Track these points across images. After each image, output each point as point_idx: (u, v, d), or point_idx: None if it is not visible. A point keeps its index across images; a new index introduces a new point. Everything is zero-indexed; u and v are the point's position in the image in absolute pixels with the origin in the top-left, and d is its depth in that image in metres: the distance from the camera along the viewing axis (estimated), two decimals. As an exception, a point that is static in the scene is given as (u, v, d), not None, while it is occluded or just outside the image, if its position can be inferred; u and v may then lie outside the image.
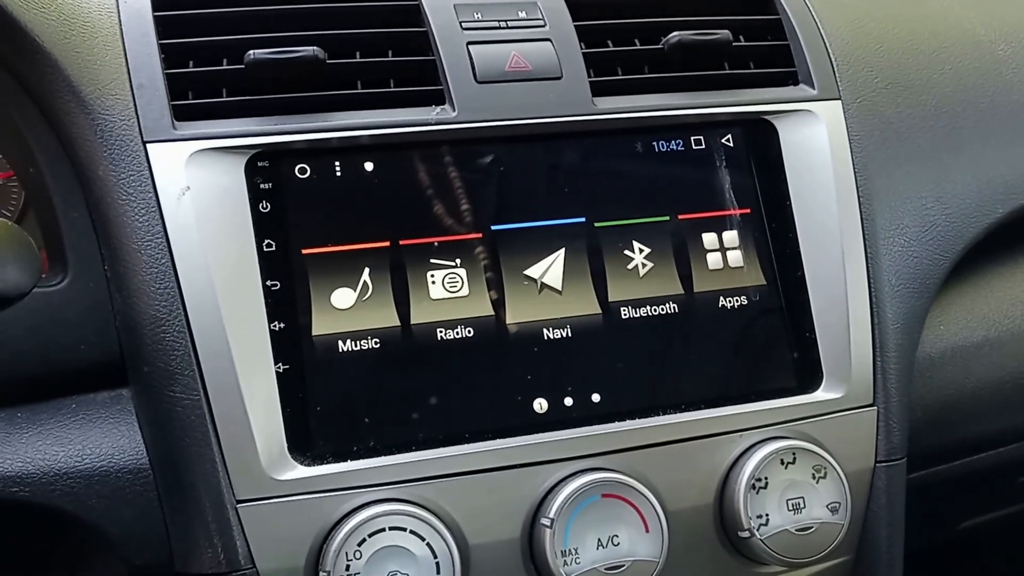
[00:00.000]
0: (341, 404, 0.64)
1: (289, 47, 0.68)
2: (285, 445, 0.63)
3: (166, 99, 0.66)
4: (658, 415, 0.69)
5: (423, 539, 0.62)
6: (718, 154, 0.74)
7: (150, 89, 0.66)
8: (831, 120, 0.77)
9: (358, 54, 0.71)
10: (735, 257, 0.73)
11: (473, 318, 0.67)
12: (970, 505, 0.95)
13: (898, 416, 0.74)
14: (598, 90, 0.73)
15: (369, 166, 0.68)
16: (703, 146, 0.74)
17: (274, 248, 0.65)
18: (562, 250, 0.70)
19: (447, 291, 0.67)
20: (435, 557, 0.62)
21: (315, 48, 0.68)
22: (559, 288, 0.69)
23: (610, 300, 0.70)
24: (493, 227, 0.69)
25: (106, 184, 0.64)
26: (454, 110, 0.69)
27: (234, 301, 0.63)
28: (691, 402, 0.70)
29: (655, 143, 0.73)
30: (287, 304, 0.65)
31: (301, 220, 0.66)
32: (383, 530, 0.61)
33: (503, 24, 0.73)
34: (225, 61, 0.69)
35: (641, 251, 0.71)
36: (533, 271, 0.69)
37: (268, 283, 0.64)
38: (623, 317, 0.70)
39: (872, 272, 0.75)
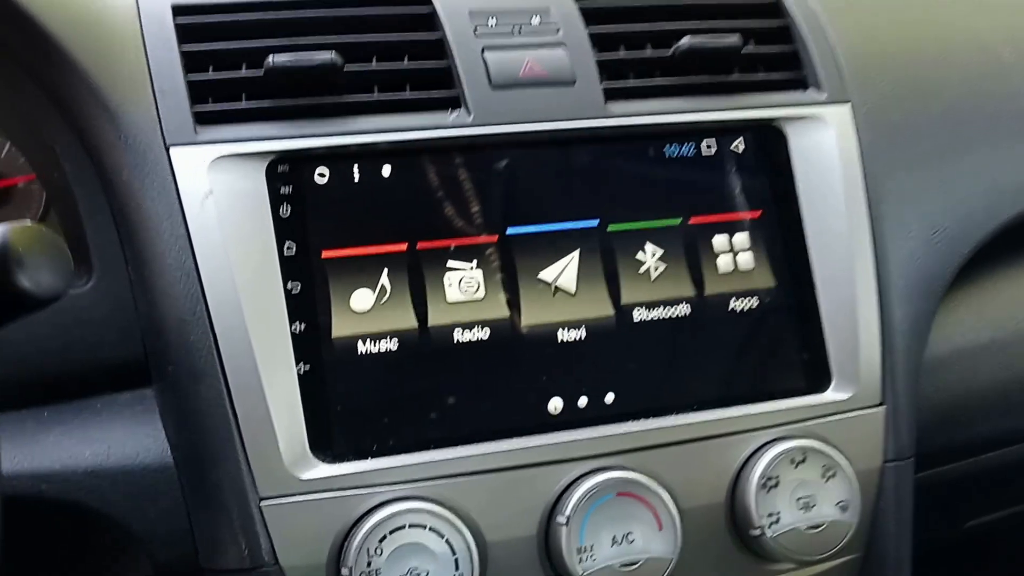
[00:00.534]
0: (361, 404, 0.66)
1: (307, 53, 0.69)
2: (307, 444, 0.64)
3: (188, 104, 0.68)
4: (670, 415, 0.70)
5: (442, 536, 0.63)
6: (728, 158, 0.75)
7: (172, 95, 0.68)
8: (840, 125, 0.78)
9: (374, 60, 0.72)
10: (746, 260, 0.74)
11: (489, 320, 0.69)
12: (976, 504, 0.96)
13: (906, 416, 0.75)
14: (611, 95, 0.74)
15: (387, 170, 0.69)
16: (714, 150, 0.75)
17: (294, 251, 0.66)
18: (576, 253, 0.71)
19: (463, 293, 0.69)
20: (454, 553, 0.63)
21: (333, 54, 0.69)
22: (573, 291, 0.71)
23: (623, 302, 0.71)
24: (508, 230, 0.70)
25: (130, 188, 0.66)
26: (470, 115, 0.71)
27: (256, 303, 0.64)
28: (703, 402, 0.71)
29: (666, 147, 0.75)
30: (307, 306, 0.66)
31: (320, 223, 0.67)
32: (403, 527, 0.63)
33: (517, 30, 0.74)
34: (244, 66, 0.71)
35: (653, 254, 0.73)
36: (547, 274, 0.70)
37: (289, 285, 0.66)
38: (636, 319, 0.71)
39: (881, 274, 0.76)
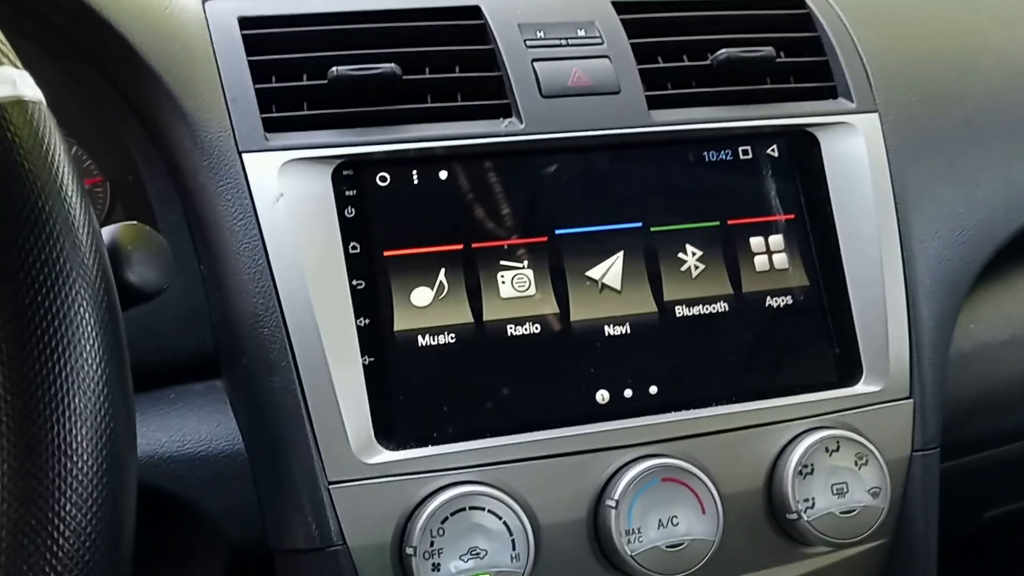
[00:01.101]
0: (422, 394, 0.70)
1: (368, 64, 0.73)
2: (372, 431, 0.68)
3: (258, 112, 0.72)
4: (711, 406, 0.74)
5: (500, 518, 0.67)
6: (764, 163, 0.79)
7: (243, 103, 0.72)
8: (869, 131, 0.82)
9: (427, 70, 0.77)
10: (781, 260, 0.78)
11: (540, 315, 0.73)
12: (995, 495, 1.00)
13: (933, 408, 0.79)
14: (653, 103, 0.78)
15: (443, 174, 0.73)
16: (750, 156, 0.79)
17: (359, 250, 0.70)
18: (621, 253, 0.75)
19: (516, 290, 0.73)
20: (511, 534, 0.67)
21: (392, 65, 0.74)
22: (618, 288, 0.75)
23: (665, 299, 0.75)
24: (557, 231, 0.74)
25: (206, 191, 0.70)
26: (521, 123, 0.75)
27: (324, 299, 0.68)
28: (741, 394, 0.75)
29: (706, 153, 0.79)
30: (371, 302, 0.70)
31: (382, 225, 0.71)
32: (463, 509, 0.67)
33: (564, 42, 0.78)
34: (305, 77, 0.75)
35: (694, 254, 0.77)
36: (594, 272, 0.74)
37: (354, 282, 0.70)
38: (677, 315, 0.75)
39: (908, 274, 0.80)
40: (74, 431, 0.38)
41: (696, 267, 0.76)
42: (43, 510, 0.37)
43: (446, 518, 0.66)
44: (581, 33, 0.79)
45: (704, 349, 0.75)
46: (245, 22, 0.75)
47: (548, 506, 0.69)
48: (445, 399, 0.70)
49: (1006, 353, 0.86)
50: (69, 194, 0.40)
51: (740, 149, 0.79)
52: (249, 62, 0.73)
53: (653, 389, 0.73)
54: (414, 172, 0.73)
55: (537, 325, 0.73)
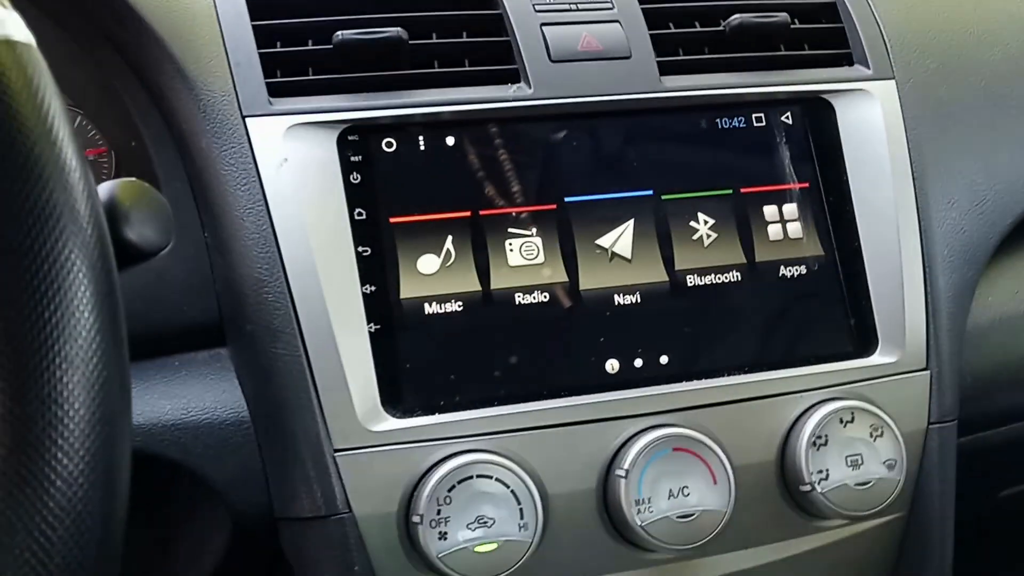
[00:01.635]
0: (429, 362, 0.69)
1: (374, 28, 0.72)
2: (378, 399, 0.67)
3: (262, 76, 0.71)
4: (723, 376, 0.73)
5: (507, 486, 0.66)
6: (778, 131, 0.78)
7: (247, 67, 0.71)
8: (886, 99, 0.80)
9: (434, 35, 0.75)
10: (795, 229, 0.77)
11: (549, 284, 0.71)
12: (1012, 473, 0.98)
13: (950, 380, 0.77)
14: (665, 69, 0.76)
15: (451, 140, 0.72)
16: (764, 123, 0.78)
17: (364, 217, 0.69)
18: (631, 221, 0.74)
19: (524, 258, 0.72)
20: (519, 503, 0.66)
21: (398, 29, 0.72)
22: (629, 257, 0.73)
23: (676, 268, 0.74)
24: (566, 199, 0.73)
25: (209, 155, 0.69)
26: (530, 88, 0.73)
27: (329, 265, 0.67)
28: (754, 364, 0.74)
29: (718, 120, 0.77)
30: (377, 269, 0.69)
31: (389, 191, 0.70)
32: (471, 477, 0.66)
33: (574, 7, 0.77)
34: (310, 41, 0.74)
35: (706, 222, 0.75)
36: (604, 240, 0.73)
37: (360, 249, 0.69)
38: (689, 284, 0.74)
39: (925, 243, 0.78)
40: (65, 379, 0.37)
41: (708, 236, 0.75)
42: (33, 459, 0.36)
43: (453, 486, 0.65)
44: (591, -3, 0.78)
45: (716, 319, 0.74)
46: (250, -14, 0.74)
47: (557, 475, 0.68)
48: (452, 367, 0.69)
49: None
50: (59, 138, 0.39)
51: (753, 116, 0.78)
52: (253, 26, 0.72)
53: (664, 359, 0.72)
54: (421, 138, 0.72)
55: (546, 294, 0.71)
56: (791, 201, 0.77)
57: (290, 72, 0.72)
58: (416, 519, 0.65)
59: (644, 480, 0.68)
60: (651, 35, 0.77)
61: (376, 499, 0.66)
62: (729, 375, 0.73)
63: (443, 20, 0.75)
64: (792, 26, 0.81)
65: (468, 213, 0.71)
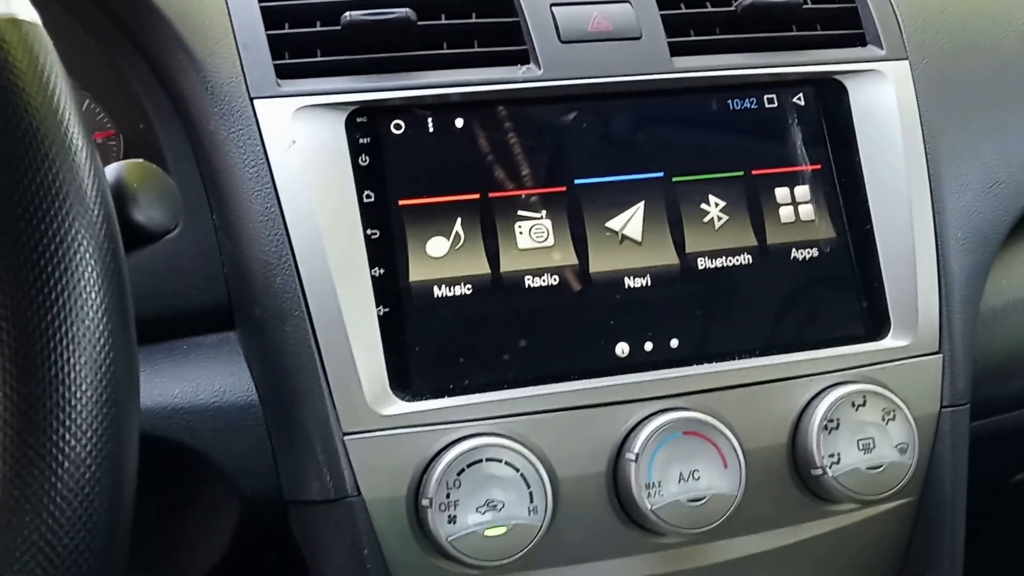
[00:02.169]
0: (438, 345, 0.68)
1: (382, 9, 0.72)
2: (387, 382, 0.67)
3: (270, 58, 0.70)
4: (734, 359, 0.72)
5: (517, 470, 0.66)
6: (790, 112, 0.77)
7: (254, 49, 0.70)
8: (899, 80, 0.79)
9: (443, 16, 0.75)
10: (807, 211, 0.76)
11: (558, 267, 0.71)
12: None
13: (963, 363, 0.77)
14: (675, 50, 0.76)
15: (459, 122, 0.71)
16: (775, 104, 0.77)
17: (373, 199, 0.69)
18: (642, 203, 0.73)
19: (534, 241, 0.71)
20: (528, 487, 0.66)
21: (407, 10, 0.72)
22: (639, 239, 0.73)
23: (687, 251, 0.73)
24: (576, 181, 0.73)
25: (217, 137, 0.69)
26: (540, 69, 0.73)
27: (338, 247, 0.67)
28: (765, 348, 0.73)
29: (729, 101, 0.76)
30: (386, 251, 0.68)
31: (397, 173, 0.70)
32: (480, 461, 0.65)
33: (584, -13, 0.76)
34: (318, 23, 0.73)
35: (717, 204, 0.75)
36: (614, 223, 0.73)
37: (368, 232, 0.68)
38: (700, 267, 0.73)
39: (938, 226, 0.77)
40: (72, 360, 0.36)
41: (719, 218, 0.74)
42: (41, 440, 0.36)
43: (462, 470, 0.65)
44: (601, -23, 0.77)
45: (727, 302, 0.74)
46: (257, -32, 0.74)
47: (566, 459, 0.68)
48: (461, 350, 0.69)
49: (1039, 310, 0.84)
50: (65, 117, 0.39)
51: (765, 97, 0.77)
52: (261, 8, 0.72)
53: (674, 342, 0.72)
54: (429, 120, 0.71)
55: (555, 277, 0.71)
56: (803, 183, 0.76)
57: (298, 53, 0.71)
58: (425, 502, 0.65)
59: (654, 464, 0.68)
60: (662, 15, 0.77)
61: (385, 482, 0.66)
62: (740, 358, 0.72)
63: (452, 1, 0.75)
64: (804, 6, 0.80)
65: (477, 196, 0.71)
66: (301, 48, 0.72)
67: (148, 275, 0.69)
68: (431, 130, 0.71)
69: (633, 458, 0.68)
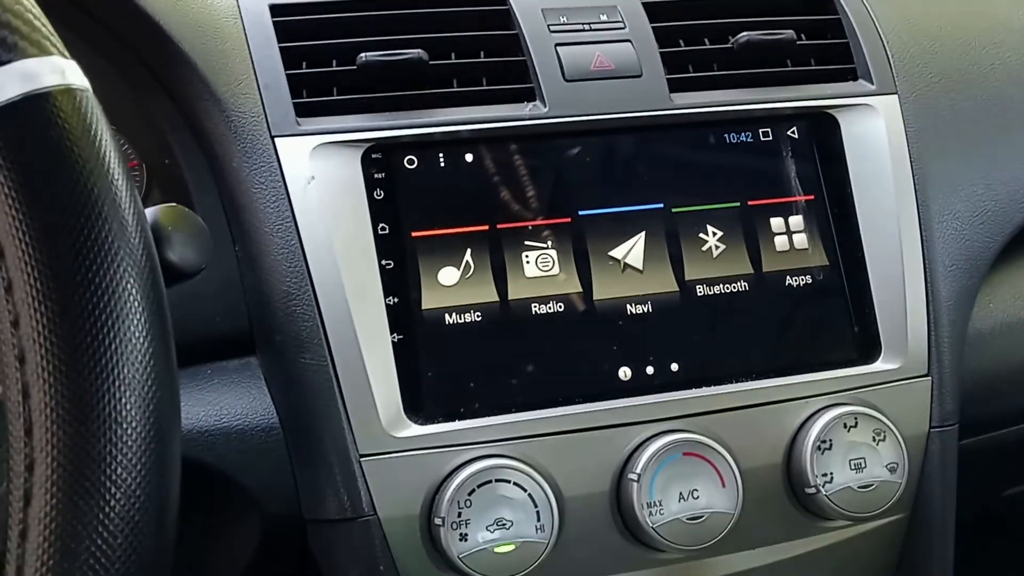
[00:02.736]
0: (449, 370, 0.72)
1: (396, 50, 0.75)
2: (401, 406, 0.70)
3: (289, 97, 0.74)
4: (731, 383, 0.76)
5: (525, 490, 0.69)
6: (784, 145, 0.81)
7: (275, 89, 0.74)
8: (888, 113, 0.83)
9: (454, 55, 0.78)
10: (800, 240, 0.80)
11: (564, 294, 0.75)
12: (1014, 473, 1.01)
13: (951, 385, 0.80)
14: (675, 87, 0.79)
15: (469, 157, 0.75)
16: (770, 138, 0.81)
17: (387, 231, 0.72)
18: (643, 233, 0.77)
19: (540, 270, 0.75)
20: (535, 506, 0.69)
21: (419, 50, 0.76)
22: (640, 267, 0.76)
23: (687, 278, 0.77)
24: (580, 212, 0.76)
25: (240, 174, 0.72)
26: (545, 106, 0.76)
27: (355, 278, 0.71)
28: (761, 371, 0.76)
29: (726, 135, 0.80)
30: (400, 281, 0.72)
31: (410, 206, 0.73)
32: (490, 482, 0.69)
33: (587, 27, 0.80)
34: (335, 62, 0.77)
35: (714, 234, 0.78)
36: (617, 252, 0.76)
37: (383, 262, 0.72)
38: (699, 294, 0.77)
39: (927, 254, 0.81)
40: (123, 399, 0.40)
41: (717, 247, 0.78)
42: (95, 473, 0.39)
43: (473, 490, 0.68)
44: (603, 18, 0.81)
45: (724, 327, 0.77)
46: (276, 9, 0.77)
47: (572, 479, 0.71)
48: (472, 375, 0.72)
49: (1024, 332, 0.87)
50: (116, 177, 0.43)
51: (760, 131, 0.81)
52: (280, 48, 0.76)
53: (674, 366, 0.75)
54: (441, 155, 0.75)
55: (561, 304, 0.74)
56: (797, 213, 0.80)
57: (316, 92, 0.75)
58: (438, 521, 0.68)
59: (655, 483, 0.71)
60: (661, 53, 0.80)
61: (400, 502, 0.69)
62: (737, 382, 0.76)
63: (462, 41, 0.78)
64: (798, 42, 0.84)
65: (486, 227, 0.74)
66: (319, 87, 0.75)
67: (174, 304, 0.71)
68: (442, 165, 0.75)
69: (635, 478, 0.71)
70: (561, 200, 0.76)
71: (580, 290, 0.75)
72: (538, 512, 0.69)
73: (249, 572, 0.76)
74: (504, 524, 0.68)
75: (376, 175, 0.73)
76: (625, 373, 0.74)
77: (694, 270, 0.77)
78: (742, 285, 0.78)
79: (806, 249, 0.79)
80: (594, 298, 0.75)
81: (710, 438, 0.73)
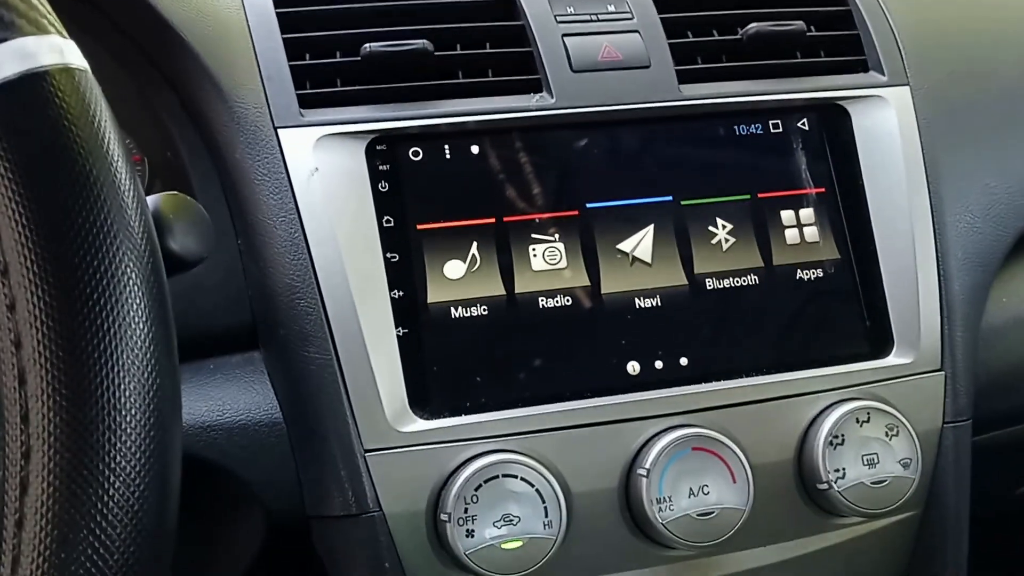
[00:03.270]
0: (455, 365, 0.71)
1: (400, 41, 0.74)
2: (406, 401, 0.69)
3: (292, 89, 0.73)
4: (741, 377, 0.75)
5: (532, 485, 0.68)
6: (795, 137, 0.80)
7: (278, 80, 0.73)
8: (900, 105, 0.82)
9: (459, 46, 0.77)
10: (811, 233, 0.78)
11: (571, 288, 0.74)
12: (1028, 471, 1.00)
13: (964, 380, 0.79)
14: (683, 78, 0.78)
15: (475, 149, 0.74)
16: (781, 130, 0.80)
17: (392, 224, 0.71)
18: (651, 226, 0.76)
19: (547, 263, 0.74)
20: (543, 502, 0.68)
21: (424, 41, 0.75)
22: (649, 261, 0.75)
23: (696, 272, 0.76)
24: (588, 205, 0.75)
25: (243, 166, 0.71)
26: (552, 97, 0.76)
27: (359, 271, 0.70)
28: (772, 366, 0.75)
29: (736, 127, 0.79)
30: (405, 274, 0.71)
31: (416, 198, 0.72)
32: (496, 477, 0.68)
33: (594, 17, 0.79)
34: (338, 53, 0.76)
35: (724, 227, 0.77)
36: (625, 245, 0.75)
37: (388, 255, 0.71)
38: (708, 288, 0.76)
39: (939, 246, 0.80)
40: (123, 385, 0.39)
41: (726, 240, 0.77)
42: (94, 461, 0.38)
43: (480, 485, 0.67)
44: (611, 8, 0.80)
45: (734, 321, 0.76)
46: (280, 0, 0.76)
47: (580, 474, 0.70)
48: (478, 370, 0.71)
49: (1039, 327, 0.86)
50: (115, 159, 0.42)
51: (770, 123, 0.80)
52: (284, 40, 0.75)
53: (684, 360, 0.74)
54: (446, 147, 0.74)
55: (568, 298, 0.73)
56: (808, 206, 0.79)
57: (319, 83, 0.74)
58: (444, 517, 0.67)
59: (665, 479, 0.70)
60: (670, 44, 0.79)
61: (405, 498, 0.68)
62: (747, 376, 0.75)
63: (467, 31, 0.78)
64: (808, 34, 0.83)
65: (493, 220, 0.73)
66: (322, 78, 0.74)
67: (176, 297, 0.70)
68: (448, 157, 0.74)
69: (644, 473, 0.70)
70: (568, 193, 0.75)
71: (588, 284, 0.74)
72: (546, 508, 0.68)
73: (252, 569, 0.75)
74: (511, 520, 0.67)
75: (381, 167, 0.72)
76: (634, 367, 0.73)
77: (703, 263, 0.76)
78: (752, 279, 0.77)
79: (817, 242, 0.78)
80: (602, 292, 0.74)
81: (720, 433, 0.72)
